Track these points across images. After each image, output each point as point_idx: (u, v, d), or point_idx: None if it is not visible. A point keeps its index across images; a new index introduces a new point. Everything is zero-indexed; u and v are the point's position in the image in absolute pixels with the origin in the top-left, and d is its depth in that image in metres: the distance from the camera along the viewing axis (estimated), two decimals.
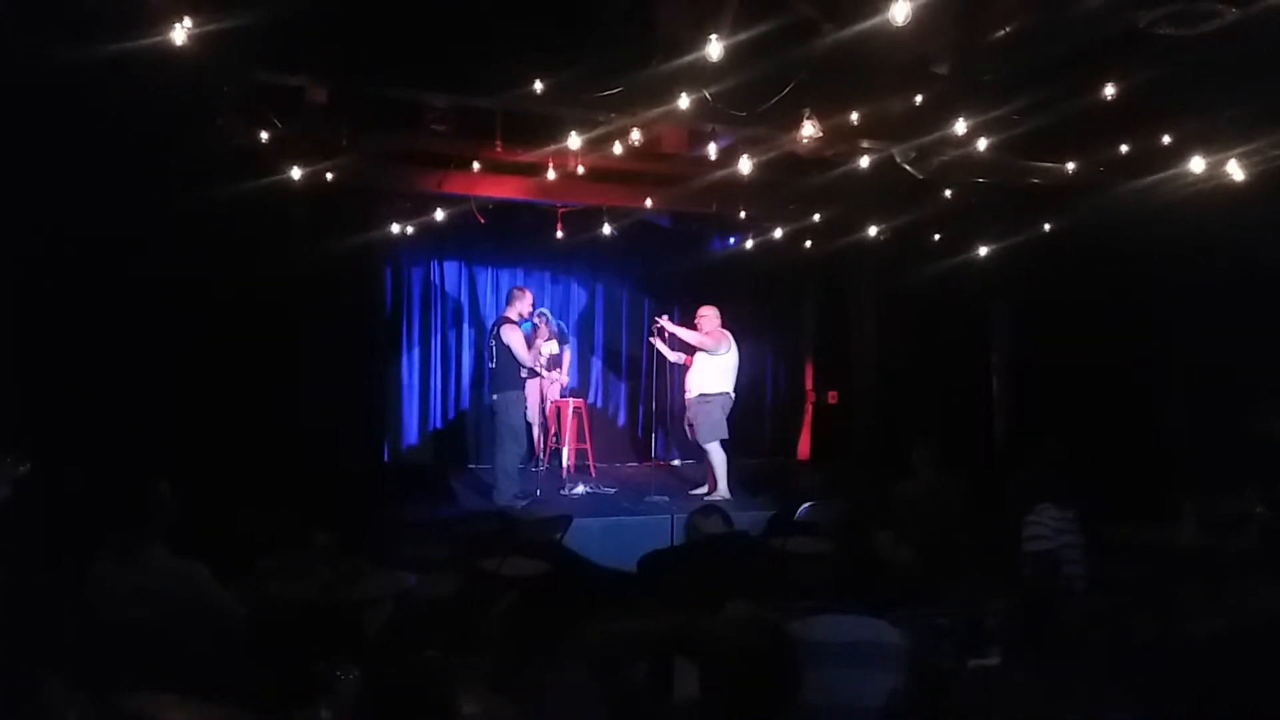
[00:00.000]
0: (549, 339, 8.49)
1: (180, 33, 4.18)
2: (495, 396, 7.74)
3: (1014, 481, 5.33)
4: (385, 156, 7.31)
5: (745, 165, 6.24)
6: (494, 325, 7.92)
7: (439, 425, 9.75)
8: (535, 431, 9.09)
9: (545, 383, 8.86)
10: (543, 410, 9.00)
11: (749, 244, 9.46)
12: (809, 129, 5.53)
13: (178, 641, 3.22)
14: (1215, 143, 5.65)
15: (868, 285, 9.32)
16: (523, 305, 7.94)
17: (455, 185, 7.55)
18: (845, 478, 8.46)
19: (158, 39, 4.21)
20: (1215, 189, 5.84)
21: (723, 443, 7.92)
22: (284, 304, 6.89)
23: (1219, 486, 5.03)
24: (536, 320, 8.44)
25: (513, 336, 7.64)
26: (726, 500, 7.54)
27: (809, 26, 4.89)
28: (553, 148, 6.42)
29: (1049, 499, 4.61)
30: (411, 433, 9.62)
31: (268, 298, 6.67)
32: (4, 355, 5.06)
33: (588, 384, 10.39)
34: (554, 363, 8.78)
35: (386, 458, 9.10)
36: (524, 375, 7.80)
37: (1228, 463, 5.45)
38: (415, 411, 9.70)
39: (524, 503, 7.58)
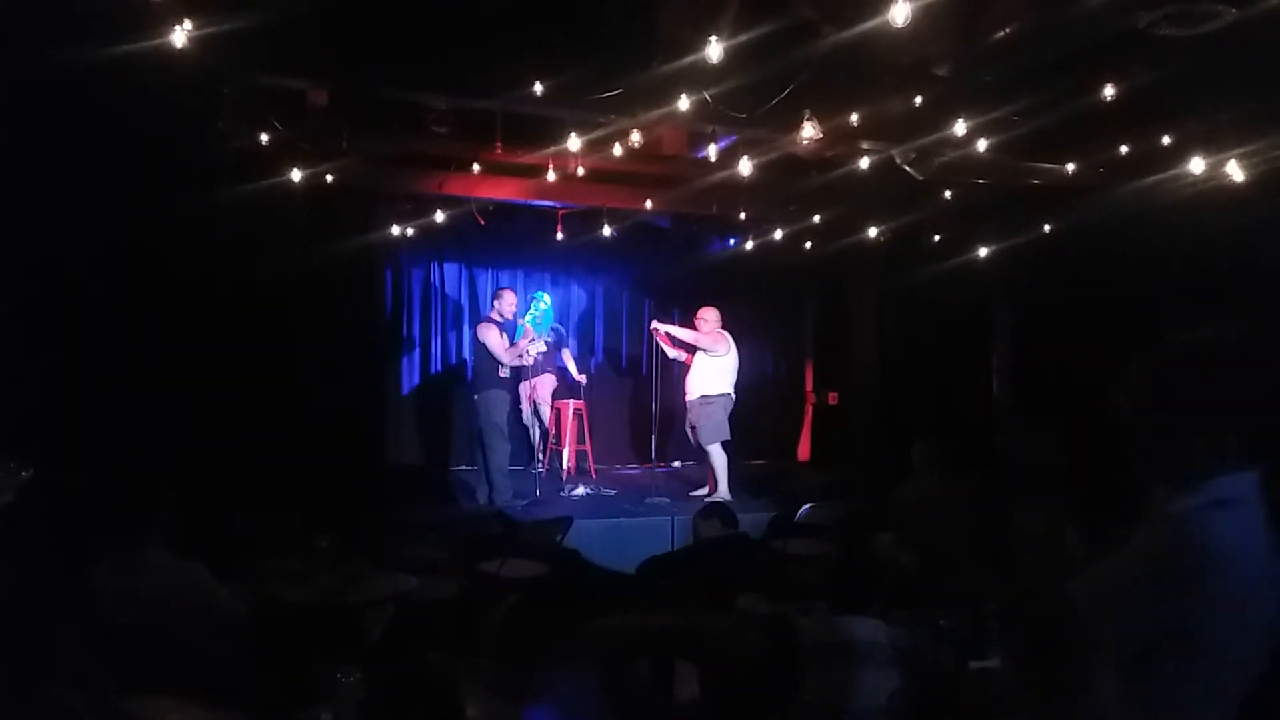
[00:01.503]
0: (533, 339, 8.46)
1: (181, 35, 4.18)
2: (476, 396, 7.78)
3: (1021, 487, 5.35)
4: (386, 158, 7.32)
5: (745, 167, 6.25)
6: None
7: (439, 427, 9.75)
8: (535, 433, 9.09)
9: (538, 383, 8.85)
10: (535, 411, 9.00)
11: (749, 245, 9.47)
12: (809, 130, 5.54)
13: (179, 644, 3.22)
14: (1215, 143, 5.66)
15: (868, 286, 9.33)
16: (504, 306, 8.01)
17: (456, 187, 7.56)
18: (846, 479, 8.46)
19: (159, 41, 4.21)
20: (1215, 190, 5.84)
21: (724, 444, 7.93)
22: (284, 306, 6.90)
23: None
24: (522, 321, 8.45)
25: (488, 335, 7.70)
26: (728, 501, 7.54)
27: (809, 28, 4.90)
28: (553, 149, 6.43)
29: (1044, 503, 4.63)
30: (411, 434, 9.62)
31: (268, 300, 6.67)
32: (6, 359, 5.06)
33: (588, 385, 10.39)
34: (541, 366, 8.77)
35: (386, 459, 9.10)
36: (504, 374, 7.82)
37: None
38: (415, 413, 9.70)
39: (524, 503, 7.59)
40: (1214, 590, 1.62)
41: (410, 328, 9.73)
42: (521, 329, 8.27)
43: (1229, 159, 5.63)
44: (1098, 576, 1.84)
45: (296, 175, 6.38)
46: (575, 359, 9.48)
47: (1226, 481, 1.71)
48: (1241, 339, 1.78)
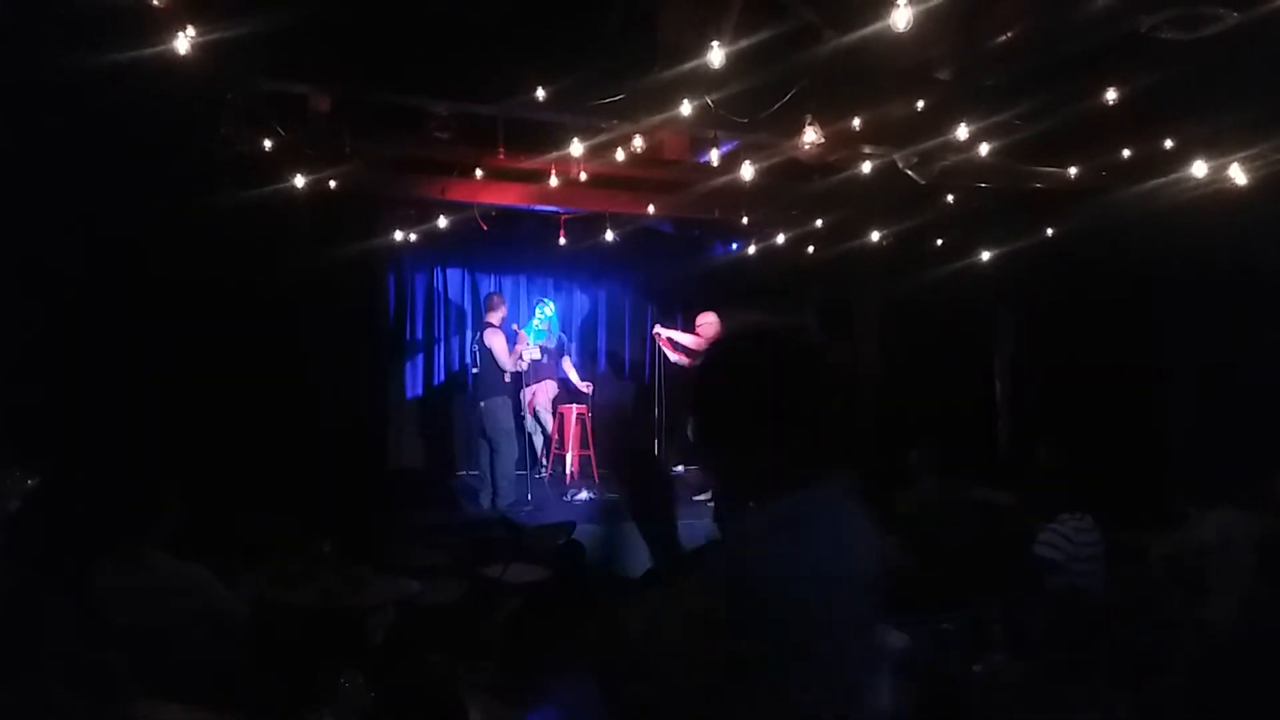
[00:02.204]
0: (529, 345, 8.50)
1: (184, 41, 4.19)
2: (482, 404, 7.80)
3: (1029, 491, 5.34)
4: (388, 163, 7.33)
5: (747, 171, 6.25)
6: (478, 331, 8.08)
7: (442, 432, 9.75)
8: (536, 439, 9.09)
9: (538, 389, 8.86)
10: (536, 417, 9.01)
11: (751, 250, 9.47)
12: (811, 135, 5.54)
13: (181, 646, 3.23)
14: (1217, 147, 5.65)
15: (870, 291, 9.32)
16: (503, 310, 8.07)
17: (458, 192, 7.56)
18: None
19: (162, 47, 4.22)
20: (1218, 193, 5.84)
21: None
22: (287, 311, 6.90)
23: (1222, 490, 5.02)
24: (516, 327, 8.49)
25: (495, 341, 7.75)
26: None
27: (811, 32, 4.90)
28: (555, 154, 6.43)
29: (1065, 509, 4.61)
30: (414, 439, 9.62)
31: (271, 304, 6.68)
32: (10, 364, 5.07)
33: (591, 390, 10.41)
34: (542, 373, 8.78)
35: (389, 464, 9.11)
36: (508, 380, 7.85)
37: (1231, 466, 5.44)
38: (418, 418, 9.71)
39: (527, 508, 7.60)
40: (772, 620, 1.41)
41: (413, 333, 9.74)
42: (515, 335, 8.29)
43: (1231, 162, 5.63)
44: (653, 608, 1.59)
45: (299, 180, 6.39)
46: (576, 366, 9.48)
47: (796, 497, 1.52)
48: (798, 334, 1.60)
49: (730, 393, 1.60)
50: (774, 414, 1.55)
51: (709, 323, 8.11)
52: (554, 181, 6.87)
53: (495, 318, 8.03)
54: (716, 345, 1.67)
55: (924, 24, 3.97)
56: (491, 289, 10.01)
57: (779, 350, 1.59)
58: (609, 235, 8.35)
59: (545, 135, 6.36)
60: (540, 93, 5.20)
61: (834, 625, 1.47)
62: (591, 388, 9.21)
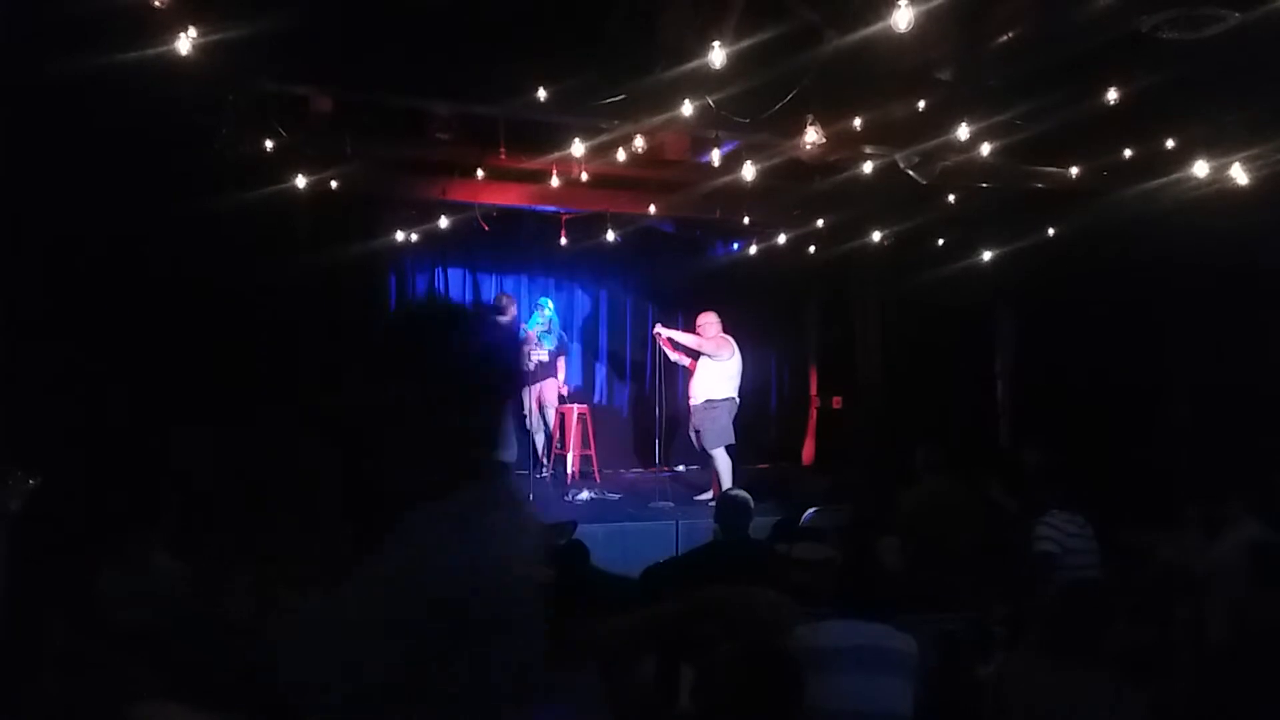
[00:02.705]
0: (539, 347, 8.52)
1: (186, 42, 4.20)
2: None
3: (1024, 491, 5.36)
4: (390, 164, 7.33)
5: (749, 171, 6.25)
6: None
7: None
8: (538, 438, 9.09)
9: (542, 388, 8.87)
10: (543, 416, 9.00)
11: (753, 249, 9.48)
12: (812, 135, 5.54)
13: (183, 647, 3.23)
14: (1219, 147, 5.65)
15: (871, 290, 9.32)
16: (513, 311, 8.08)
17: (459, 193, 7.56)
18: (850, 483, 8.45)
19: (164, 48, 4.22)
20: (1219, 193, 5.84)
21: (728, 448, 7.92)
22: (288, 312, 6.90)
23: (1222, 492, 5.03)
24: (524, 326, 8.50)
25: None
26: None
27: (812, 33, 4.90)
28: (556, 155, 6.43)
29: (1058, 506, 4.66)
30: None
31: (271, 305, 6.68)
32: (12, 363, 5.07)
33: (592, 390, 10.39)
34: (545, 370, 8.79)
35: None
36: None
37: (1232, 468, 5.44)
38: None
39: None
40: (439, 616, 1.42)
41: None
42: (526, 336, 8.29)
43: (1232, 163, 5.63)
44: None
45: (301, 181, 6.39)
46: (570, 366, 9.47)
47: (458, 496, 1.51)
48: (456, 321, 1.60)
49: (386, 384, 1.61)
50: (427, 407, 1.55)
51: (709, 322, 8.10)
52: (555, 182, 6.88)
53: (505, 319, 8.04)
54: (378, 332, 1.68)
55: (925, 24, 3.98)
56: (493, 289, 10.02)
57: (432, 340, 1.59)
58: (610, 235, 8.35)
59: (546, 135, 6.36)
60: (541, 93, 5.20)
61: (499, 622, 1.47)
62: (568, 390, 9.20)
